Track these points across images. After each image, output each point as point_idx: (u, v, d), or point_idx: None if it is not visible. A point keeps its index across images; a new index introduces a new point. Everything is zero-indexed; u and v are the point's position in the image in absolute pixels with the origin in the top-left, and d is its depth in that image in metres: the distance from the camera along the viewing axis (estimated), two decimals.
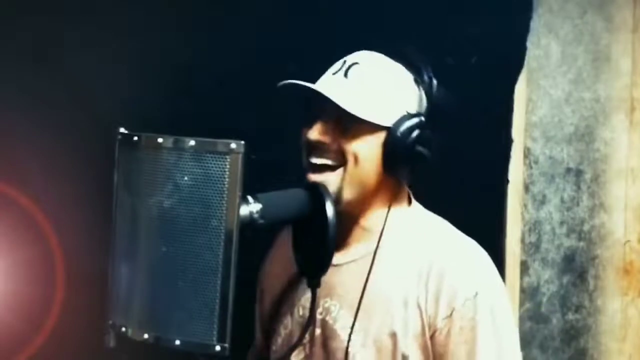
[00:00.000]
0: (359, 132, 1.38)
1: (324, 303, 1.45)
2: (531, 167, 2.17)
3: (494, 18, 2.05)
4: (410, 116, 1.39)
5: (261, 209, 1.29)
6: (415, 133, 1.37)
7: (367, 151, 1.38)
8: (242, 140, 1.21)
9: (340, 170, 1.39)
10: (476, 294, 1.34)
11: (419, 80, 1.42)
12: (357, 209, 1.43)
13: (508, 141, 2.15)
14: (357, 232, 1.44)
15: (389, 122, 1.38)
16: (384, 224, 1.42)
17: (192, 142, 1.21)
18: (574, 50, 2.17)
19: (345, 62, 1.44)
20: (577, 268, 2.21)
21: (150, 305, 1.25)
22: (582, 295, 2.21)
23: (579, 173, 2.19)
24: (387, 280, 1.39)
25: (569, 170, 2.18)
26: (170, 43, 1.91)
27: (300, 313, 1.48)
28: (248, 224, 1.27)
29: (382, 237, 1.41)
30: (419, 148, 1.38)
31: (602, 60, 2.17)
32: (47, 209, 1.87)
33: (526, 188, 2.18)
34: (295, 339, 1.46)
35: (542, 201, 2.19)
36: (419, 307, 1.35)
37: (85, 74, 1.87)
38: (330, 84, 1.41)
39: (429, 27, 1.98)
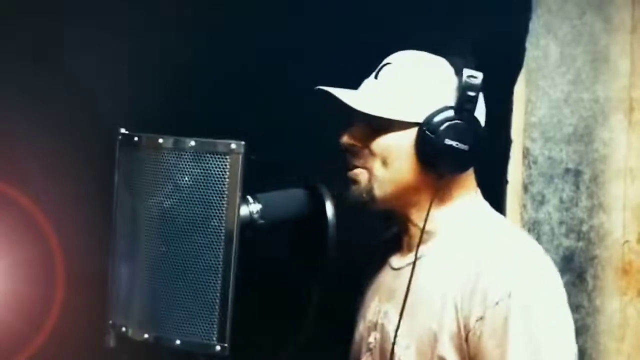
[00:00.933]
0: (389, 132, 1.36)
1: (382, 307, 1.45)
2: (530, 168, 2.18)
3: (493, 18, 2.06)
4: (441, 110, 1.34)
5: (261, 209, 1.30)
6: (445, 126, 1.32)
7: (397, 150, 1.36)
8: (242, 140, 1.21)
9: (371, 170, 1.38)
10: (509, 294, 1.26)
11: (460, 73, 1.36)
12: (407, 209, 1.41)
13: (507, 141, 2.15)
14: (415, 234, 1.41)
15: (420, 118, 1.34)
16: (423, 223, 1.39)
17: (193, 143, 1.21)
18: (572, 51, 2.17)
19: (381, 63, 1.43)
20: (576, 268, 2.21)
21: (151, 305, 1.26)
22: (580, 295, 2.22)
23: (577, 173, 2.19)
24: (432, 281, 1.36)
25: (567, 170, 2.18)
26: (170, 43, 1.91)
27: (369, 318, 1.49)
28: (248, 224, 1.28)
29: (432, 238, 1.39)
30: (450, 141, 1.33)
31: (600, 61, 2.17)
32: (47, 209, 1.87)
33: (525, 188, 2.18)
34: (363, 346, 1.48)
35: (541, 201, 2.19)
36: (455, 307, 1.31)
37: (85, 74, 1.87)
38: (361, 88, 1.42)
39: (428, 27, 1.98)
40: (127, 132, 1.28)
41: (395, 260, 1.47)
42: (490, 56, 2.09)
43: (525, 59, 2.15)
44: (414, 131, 1.35)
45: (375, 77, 1.40)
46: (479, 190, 1.47)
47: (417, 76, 1.38)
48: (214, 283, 1.21)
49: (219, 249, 1.20)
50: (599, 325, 2.23)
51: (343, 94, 1.36)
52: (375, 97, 1.37)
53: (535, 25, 2.15)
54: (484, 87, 1.38)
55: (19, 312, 1.86)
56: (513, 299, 1.25)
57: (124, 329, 1.28)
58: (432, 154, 1.34)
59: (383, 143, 1.36)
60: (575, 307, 2.22)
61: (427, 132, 1.33)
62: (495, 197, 2.14)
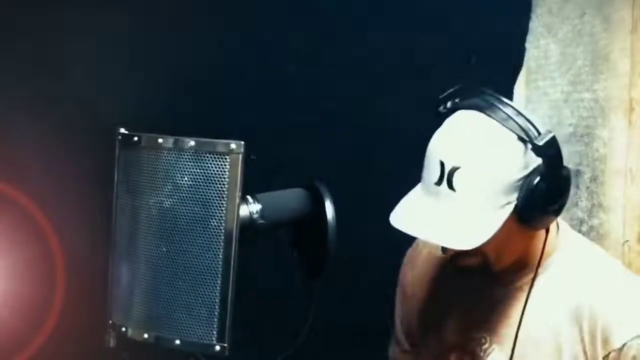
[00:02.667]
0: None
1: (473, 333, 1.44)
2: None
3: (493, 18, 2.06)
4: (530, 187, 1.27)
5: (261, 209, 1.30)
6: (538, 199, 1.27)
7: (505, 239, 1.32)
8: (242, 140, 1.21)
9: (485, 258, 1.36)
10: (624, 344, 1.30)
11: (523, 138, 1.27)
12: (524, 257, 1.40)
13: None
14: (519, 265, 1.41)
15: (511, 205, 1.28)
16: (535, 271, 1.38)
17: (192, 143, 1.21)
18: (572, 51, 2.17)
19: (442, 164, 1.29)
20: None
21: (150, 305, 1.26)
22: None
23: (577, 173, 2.19)
24: (538, 319, 1.38)
25: None
26: (170, 43, 1.91)
27: (448, 338, 1.48)
28: (248, 224, 1.28)
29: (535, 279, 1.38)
30: (549, 207, 1.30)
31: (600, 60, 2.17)
32: (47, 209, 1.88)
33: None
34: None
35: None
36: (575, 350, 1.34)
37: (85, 74, 1.87)
38: (440, 206, 1.30)
39: (428, 28, 1.99)
40: (126, 131, 1.28)
41: (492, 287, 1.43)
42: (490, 56, 2.10)
43: (526, 58, 2.15)
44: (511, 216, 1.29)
45: (451, 187, 1.28)
46: None
47: (495, 171, 1.27)
48: (213, 283, 1.21)
49: (218, 249, 1.20)
50: None
51: (450, 240, 1.28)
52: (470, 222, 1.27)
53: (536, 25, 2.15)
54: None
55: (19, 312, 1.87)
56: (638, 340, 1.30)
57: (123, 328, 1.28)
58: (539, 224, 1.33)
59: (490, 244, 1.29)
60: None
61: (527, 214, 1.29)
62: None
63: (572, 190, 2.15)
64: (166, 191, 1.21)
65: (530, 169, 1.28)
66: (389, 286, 1.64)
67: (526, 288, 1.37)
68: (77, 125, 1.85)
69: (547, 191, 1.28)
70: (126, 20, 1.88)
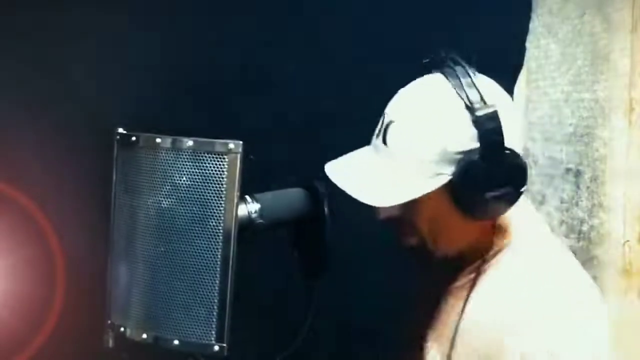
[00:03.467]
0: (422, 201, 1.22)
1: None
2: (530, 168, 2.18)
3: (494, 18, 2.06)
4: (467, 163, 1.19)
5: (260, 209, 1.30)
6: (478, 181, 1.19)
7: (438, 214, 1.24)
8: (241, 140, 1.21)
9: (419, 234, 1.28)
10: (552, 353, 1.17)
11: (469, 106, 1.20)
12: (470, 248, 1.30)
13: None
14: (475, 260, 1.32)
15: (446, 177, 1.20)
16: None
17: (191, 142, 1.21)
18: (573, 51, 2.17)
19: (384, 117, 1.28)
20: None
21: (149, 305, 1.25)
22: None
23: (578, 173, 2.19)
24: (481, 322, 1.26)
25: (568, 170, 2.18)
26: (170, 43, 1.91)
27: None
28: (247, 224, 1.28)
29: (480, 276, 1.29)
30: (490, 193, 1.20)
31: (601, 60, 2.17)
32: (47, 209, 1.88)
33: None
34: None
35: (542, 201, 2.19)
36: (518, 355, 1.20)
37: (85, 74, 1.87)
38: (372, 166, 1.27)
39: (428, 27, 1.98)
40: (124, 131, 1.28)
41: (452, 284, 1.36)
42: (490, 56, 2.09)
43: (526, 58, 2.15)
44: (446, 188, 1.21)
45: (384, 142, 1.25)
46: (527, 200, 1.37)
47: (429, 132, 1.21)
48: (212, 283, 1.21)
49: (217, 248, 1.20)
50: None
51: (356, 187, 1.23)
52: (393, 180, 1.23)
53: (536, 25, 2.15)
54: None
55: (19, 312, 1.87)
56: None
57: (122, 329, 1.28)
58: (476, 211, 1.23)
59: (422, 211, 1.25)
60: None
61: (461, 195, 1.20)
62: None
63: (573, 190, 2.15)
64: (164, 191, 1.21)
65: (474, 145, 1.19)
66: (388, 286, 1.64)
67: (469, 287, 1.29)
68: (76, 125, 1.85)
69: (486, 174, 1.19)
70: (126, 20, 1.88)
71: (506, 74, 2.14)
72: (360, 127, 2.08)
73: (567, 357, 1.17)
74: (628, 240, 2.21)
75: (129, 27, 1.89)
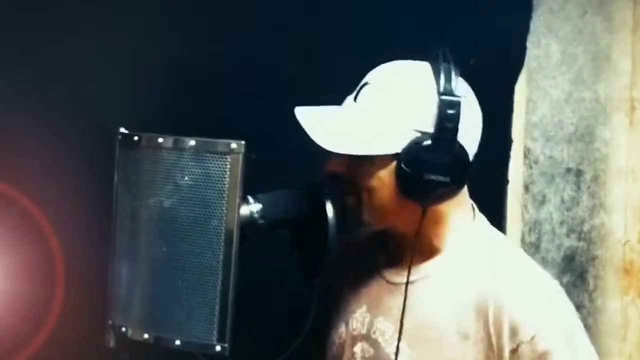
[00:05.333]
0: (370, 163, 1.29)
1: (375, 321, 1.39)
2: (531, 167, 2.17)
3: (494, 18, 2.06)
4: (419, 140, 1.26)
5: (261, 209, 1.30)
6: (422, 159, 1.25)
7: (379, 182, 1.30)
8: (242, 140, 1.21)
9: (358, 197, 1.33)
10: (542, 328, 1.26)
11: (441, 92, 1.26)
12: (401, 229, 1.35)
13: (508, 141, 2.15)
14: (420, 252, 1.35)
15: (398, 148, 1.27)
16: (414, 246, 1.33)
17: (193, 142, 1.21)
18: (574, 51, 2.17)
19: (363, 85, 1.35)
20: (577, 268, 2.21)
21: (150, 305, 1.25)
22: (582, 295, 2.21)
23: (579, 173, 2.19)
24: (440, 308, 1.32)
25: (569, 170, 2.18)
26: (170, 43, 1.91)
27: (354, 326, 1.43)
28: (248, 224, 1.27)
29: (438, 255, 1.35)
30: (429, 176, 1.25)
31: (602, 60, 2.17)
32: (47, 209, 1.87)
33: (526, 188, 2.18)
34: (345, 353, 1.43)
35: (542, 201, 2.19)
36: (481, 341, 1.28)
37: (85, 74, 1.87)
38: (337, 116, 1.34)
39: (428, 27, 1.98)
40: (126, 131, 1.27)
41: (392, 274, 1.40)
42: (491, 55, 2.09)
43: (526, 58, 2.15)
44: (393, 162, 1.28)
45: (355, 100, 1.33)
46: (472, 204, 1.41)
47: (396, 100, 1.29)
48: (213, 283, 1.21)
49: (219, 248, 1.20)
50: (600, 326, 2.23)
51: (315, 129, 1.29)
52: (350, 131, 1.29)
53: (537, 24, 2.15)
54: (479, 94, 1.33)
55: (19, 312, 1.86)
56: (549, 331, 1.27)
57: (123, 329, 1.27)
58: (411, 189, 1.28)
59: (365, 174, 1.30)
60: (576, 307, 2.20)
61: (404, 167, 1.26)
62: (496, 197, 2.14)
63: (573, 190, 2.16)
64: (166, 191, 1.21)
65: (433, 130, 1.26)
66: None
67: (428, 281, 1.34)
68: (77, 125, 1.85)
69: (430, 155, 1.25)
70: (126, 20, 1.88)
71: (506, 74, 2.14)
72: None
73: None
74: (629, 240, 2.21)
75: (129, 27, 1.89)
